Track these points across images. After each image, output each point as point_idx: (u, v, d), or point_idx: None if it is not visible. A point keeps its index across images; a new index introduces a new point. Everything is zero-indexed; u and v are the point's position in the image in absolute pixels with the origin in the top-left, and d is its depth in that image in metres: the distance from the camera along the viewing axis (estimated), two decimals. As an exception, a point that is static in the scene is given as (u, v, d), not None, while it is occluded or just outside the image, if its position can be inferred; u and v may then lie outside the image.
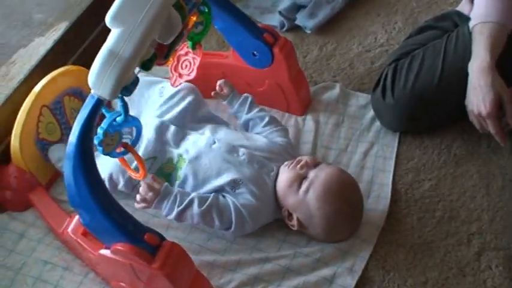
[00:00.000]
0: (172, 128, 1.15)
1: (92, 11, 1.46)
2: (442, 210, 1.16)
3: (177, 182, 1.12)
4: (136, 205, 1.07)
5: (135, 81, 0.84)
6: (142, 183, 1.04)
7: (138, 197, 1.05)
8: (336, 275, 1.06)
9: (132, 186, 1.13)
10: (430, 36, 1.33)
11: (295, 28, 1.59)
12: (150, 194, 1.04)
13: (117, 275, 1.00)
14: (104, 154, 0.95)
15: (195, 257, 1.08)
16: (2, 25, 1.44)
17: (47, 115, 1.23)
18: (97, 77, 0.80)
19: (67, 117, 1.28)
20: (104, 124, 0.91)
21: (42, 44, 1.38)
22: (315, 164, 1.09)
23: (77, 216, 1.05)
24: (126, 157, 0.97)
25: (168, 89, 1.21)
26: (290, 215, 1.08)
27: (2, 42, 1.39)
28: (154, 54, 0.86)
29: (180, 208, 1.05)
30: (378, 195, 1.18)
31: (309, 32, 1.57)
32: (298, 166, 1.07)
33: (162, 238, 0.93)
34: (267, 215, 1.10)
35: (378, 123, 1.32)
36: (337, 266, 1.07)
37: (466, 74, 1.19)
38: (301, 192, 1.05)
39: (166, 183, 1.07)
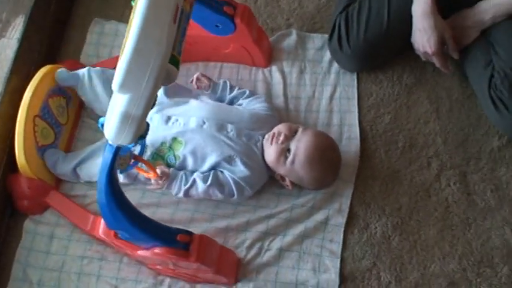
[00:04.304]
0: (155, 116, 1.28)
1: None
2: (403, 140, 1.37)
3: (177, 162, 1.27)
4: (150, 187, 1.24)
5: (147, 128, 0.96)
6: (157, 168, 1.21)
7: (152, 181, 1.22)
8: (328, 217, 1.28)
9: (133, 177, 1.28)
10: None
11: (240, -28, 1.63)
12: (163, 178, 1.22)
13: (154, 262, 1.19)
14: (121, 173, 1.09)
15: (209, 224, 1.29)
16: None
17: (39, 123, 1.31)
18: (116, 135, 0.92)
19: (55, 116, 1.36)
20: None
21: (7, 46, 1.40)
22: (292, 133, 1.25)
23: (102, 219, 1.20)
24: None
25: None
26: (282, 177, 1.27)
27: (-34, 50, 1.40)
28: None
29: (186, 186, 1.23)
30: (349, 137, 1.38)
31: (253, -26, 1.63)
32: (279, 141, 1.24)
33: (190, 233, 1.11)
34: (261, 178, 1.29)
35: (336, 64, 1.47)
36: (328, 209, 1.29)
37: (411, 17, 1.33)
38: (288, 164, 1.23)
39: (172, 168, 1.23)
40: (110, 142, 0.95)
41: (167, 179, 1.22)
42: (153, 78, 0.88)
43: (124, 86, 0.88)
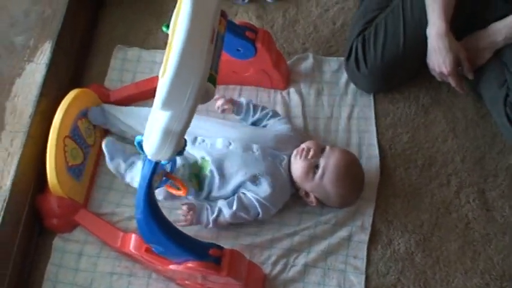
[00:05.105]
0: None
1: (70, 23, 1.52)
2: (422, 158, 1.41)
3: (207, 180, 1.30)
4: (181, 224, 1.26)
5: (185, 144, 1.00)
6: (182, 207, 1.25)
7: (182, 218, 1.26)
8: (352, 234, 1.31)
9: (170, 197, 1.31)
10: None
11: (256, -2, 1.70)
12: (191, 212, 1.25)
13: (183, 277, 1.21)
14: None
15: (235, 241, 1.31)
16: (-14, 55, 1.47)
17: (69, 144, 1.35)
18: (157, 150, 0.96)
19: (84, 138, 1.41)
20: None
21: (36, 71, 1.45)
22: (321, 150, 1.29)
23: (133, 235, 1.23)
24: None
25: None
26: (307, 194, 1.31)
27: (-4, 75, 1.44)
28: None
29: (214, 216, 1.26)
30: (369, 155, 1.42)
31: (270, 1, 1.69)
32: (309, 156, 1.28)
33: (221, 248, 1.14)
34: (284, 196, 1.32)
35: (352, 86, 1.52)
36: (351, 226, 1.32)
37: (426, 39, 1.38)
38: (317, 179, 1.27)
39: (197, 201, 1.27)
40: (149, 158, 0.98)
41: (195, 212, 1.25)
42: (193, 96, 0.92)
43: (167, 104, 0.92)
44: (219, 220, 1.26)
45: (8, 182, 1.28)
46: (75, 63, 1.56)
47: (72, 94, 1.39)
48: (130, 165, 1.33)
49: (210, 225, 1.26)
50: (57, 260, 1.32)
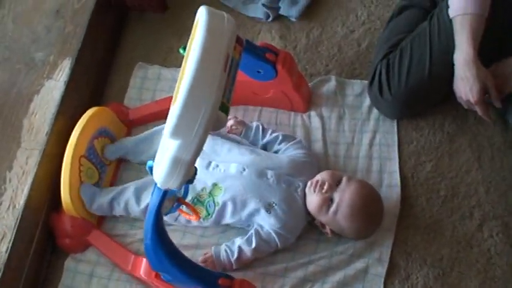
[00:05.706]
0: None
1: (91, 40, 1.52)
2: (445, 189, 1.36)
3: (217, 208, 1.27)
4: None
5: (195, 173, 0.97)
6: (199, 259, 1.22)
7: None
8: (368, 266, 1.27)
9: (174, 218, 1.29)
10: (412, 20, 1.46)
11: (280, 17, 1.67)
12: (208, 262, 1.22)
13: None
14: (165, 215, 1.10)
15: (247, 269, 1.28)
16: (5, 71, 1.46)
17: (85, 163, 1.34)
18: (166, 179, 0.94)
19: (100, 157, 1.39)
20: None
21: (54, 88, 1.44)
22: (336, 182, 1.25)
23: (144, 259, 1.21)
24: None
25: None
26: (323, 224, 1.27)
27: (15, 91, 1.44)
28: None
29: (235, 257, 1.23)
30: (390, 184, 1.37)
31: (294, 20, 1.66)
32: (323, 190, 1.23)
33: (231, 278, 1.11)
34: (300, 223, 1.29)
35: (375, 111, 1.47)
36: (368, 258, 1.28)
37: (453, 65, 1.33)
38: (331, 214, 1.23)
39: (213, 248, 1.24)
40: (158, 186, 0.96)
41: (212, 260, 1.22)
42: (203, 125, 0.90)
43: (176, 132, 0.90)
44: (241, 259, 1.23)
45: (21, 201, 1.27)
46: (95, 80, 1.55)
47: (89, 113, 1.38)
48: (112, 201, 1.30)
49: (234, 266, 1.23)
50: (68, 281, 1.30)
